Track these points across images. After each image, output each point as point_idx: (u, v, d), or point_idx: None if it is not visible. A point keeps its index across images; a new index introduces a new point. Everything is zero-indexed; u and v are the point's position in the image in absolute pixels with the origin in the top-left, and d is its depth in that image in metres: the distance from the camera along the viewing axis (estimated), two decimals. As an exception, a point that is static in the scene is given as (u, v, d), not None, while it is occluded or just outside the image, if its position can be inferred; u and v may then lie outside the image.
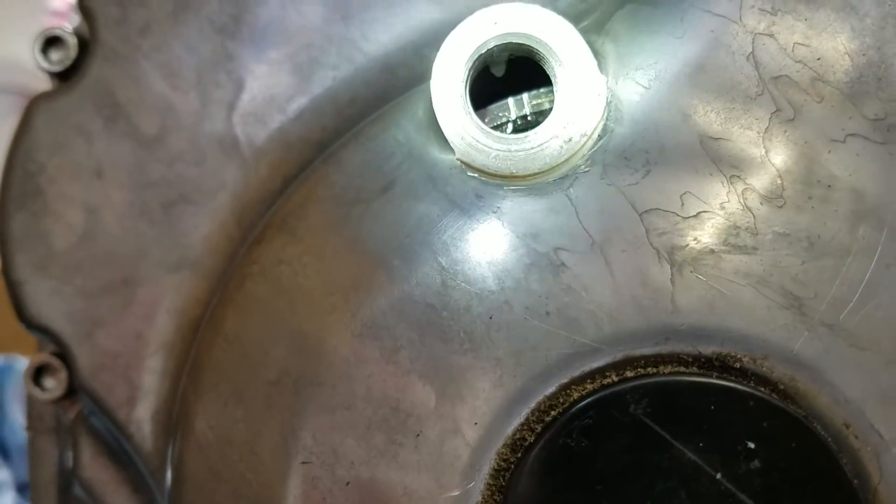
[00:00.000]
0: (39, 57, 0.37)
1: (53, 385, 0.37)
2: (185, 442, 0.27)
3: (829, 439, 0.23)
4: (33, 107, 0.36)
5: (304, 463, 0.24)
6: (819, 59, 0.25)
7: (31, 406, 0.42)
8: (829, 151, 0.24)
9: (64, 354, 0.35)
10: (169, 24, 0.35)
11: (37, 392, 0.37)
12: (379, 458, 0.24)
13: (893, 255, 0.23)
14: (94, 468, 0.36)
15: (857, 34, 0.25)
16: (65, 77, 0.36)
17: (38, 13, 1.57)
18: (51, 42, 0.37)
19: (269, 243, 0.28)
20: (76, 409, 0.37)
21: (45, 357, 0.37)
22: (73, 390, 0.36)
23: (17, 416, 1.00)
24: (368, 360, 0.24)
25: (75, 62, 0.36)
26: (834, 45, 0.25)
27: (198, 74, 0.35)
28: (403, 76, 0.34)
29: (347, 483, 0.24)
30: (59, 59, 0.37)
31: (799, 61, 0.25)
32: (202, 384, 0.28)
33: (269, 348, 0.26)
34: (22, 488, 0.94)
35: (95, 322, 0.34)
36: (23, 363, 1.06)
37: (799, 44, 0.25)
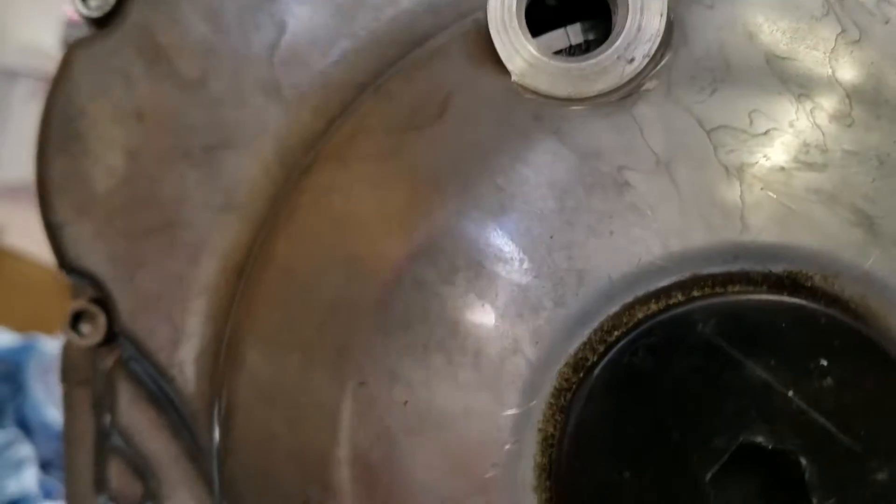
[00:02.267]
0: (78, 3, 0.37)
1: (91, 331, 0.36)
2: (237, 372, 0.27)
3: (902, 360, 0.22)
4: (72, 51, 0.36)
5: (360, 384, 0.24)
6: (887, -24, 0.24)
7: (66, 358, 0.41)
8: (899, 70, 0.24)
9: (104, 299, 0.35)
10: (211, -36, 0.34)
11: (75, 338, 0.37)
12: (437, 378, 0.23)
13: (968, 173, 0.23)
14: (133, 414, 0.36)
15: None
16: (103, 23, 0.36)
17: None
18: (90, -12, 0.37)
19: (319, 173, 0.28)
20: (114, 355, 0.37)
21: (82, 303, 0.36)
22: (112, 337, 0.36)
23: (39, 394, 1.00)
24: (425, 283, 0.24)
25: (115, 7, 0.36)
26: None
27: (239, 17, 0.34)
28: (448, 15, 0.33)
29: (405, 403, 0.23)
30: (98, 4, 0.37)
31: (866, -21, 0.24)
32: (254, 315, 0.27)
33: (323, 275, 0.26)
34: (44, 465, 0.94)
35: (137, 264, 0.34)
36: (43, 342, 1.07)
37: (867, -39, 0.24)
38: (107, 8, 0.36)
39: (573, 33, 0.28)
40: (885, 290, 0.22)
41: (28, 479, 0.90)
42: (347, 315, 0.25)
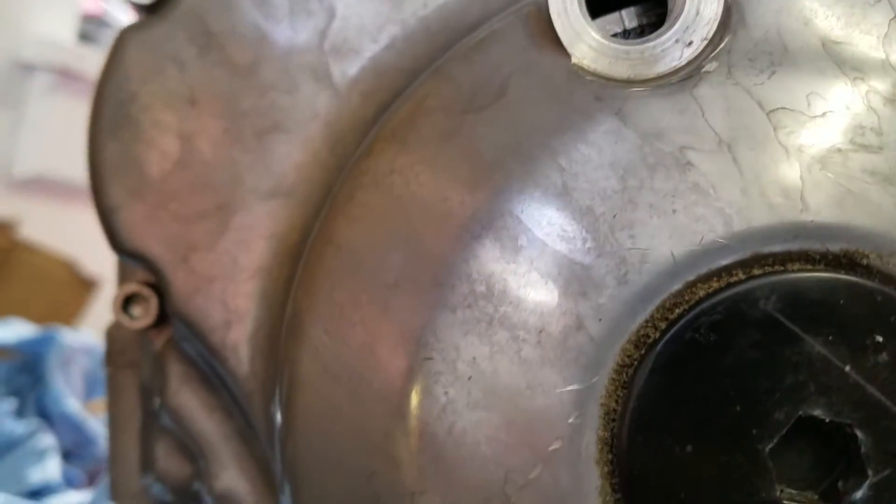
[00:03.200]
0: (130, -10, 0.38)
1: (142, 314, 0.37)
2: (300, 350, 0.28)
3: (955, 338, 0.23)
4: (124, 37, 0.36)
5: (426, 359, 0.25)
6: (942, -37, 0.25)
7: (111, 341, 0.42)
8: (953, 55, 0.24)
9: (156, 282, 0.36)
10: (262, -48, 0.35)
11: (126, 320, 0.37)
12: (501, 353, 0.24)
13: None
14: (184, 394, 0.37)
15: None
16: (153, 9, 0.37)
17: (74, -8, 1.59)
18: (140, -24, 0.38)
19: (380, 155, 0.28)
20: (164, 336, 0.38)
21: (133, 286, 0.37)
22: (162, 318, 0.37)
23: (59, 386, 1.01)
24: (489, 261, 0.25)
25: (165, -5, 0.37)
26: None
27: (290, 3, 0.35)
28: (497, 6, 0.34)
29: (470, 377, 0.24)
30: (149, -8, 0.37)
31: (922, -35, 0.25)
32: (316, 294, 0.28)
33: (385, 254, 0.26)
34: (65, 455, 0.95)
35: (191, 246, 0.35)
36: (62, 334, 1.08)
37: (922, -51, 0.25)
38: (159, -6, 0.37)
39: (628, 17, 0.28)
40: (941, 268, 0.23)
41: (51, 468, 0.92)
42: (411, 293, 0.25)
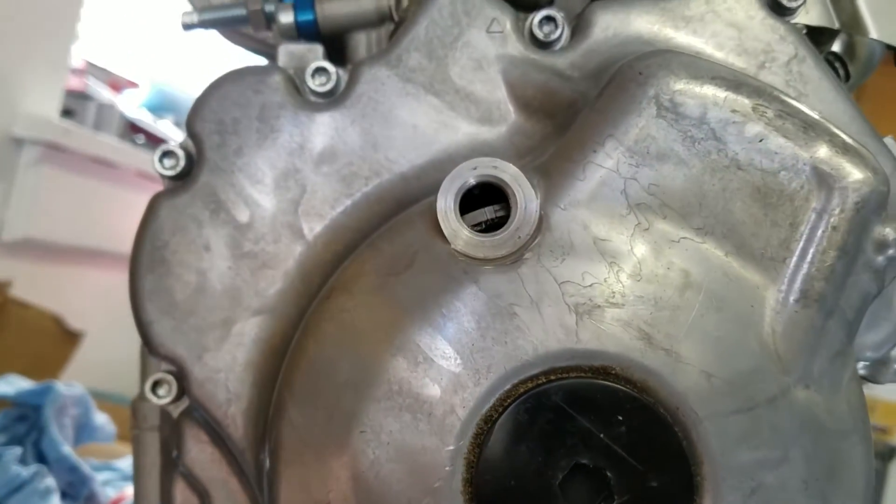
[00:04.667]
0: (158, 165, 0.54)
1: (166, 393, 0.53)
2: (281, 422, 0.44)
3: (667, 416, 0.40)
4: (157, 200, 0.52)
5: (361, 432, 0.41)
6: (664, 192, 0.42)
7: (137, 409, 0.58)
8: (670, 247, 0.42)
9: (178, 372, 0.51)
10: (255, 148, 0.52)
11: (153, 398, 0.53)
12: (407, 428, 0.40)
13: (703, 309, 0.41)
14: (197, 449, 0.52)
15: (688, 180, 0.42)
16: (176, 178, 0.53)
17: (61, 72, 1.73)
18: (165, 154, 0.54)
19: (336, 299, 0.45)
20: (181, 407, 0.53)
21: (160, 375, 0.53)
22: (180, 396, 0.52)
23: (55, 433, 1.14)
24: (400, 371, 0.41)
25: (184, 169, 0.53)
26: (672, 185, 0.42)
27: (275, 182, 0.51)
28: (415, 186, 0.51)
29: (388, 443, 0.40)
30: (171, 165, 0.53)
31: (651, 194, 0.42)
32: (293, 386, 0.44)
33: (338, 364, 0.43)
34: (62, 494, 1.08)
35: (204, 348, 0.50)
36: (58, 387, 1.21)
37: (652, 184, 0.42)
38: (178, 169, 0.53)
39: (490, 211, 0.45)
40: (657, 376, 0.40)
41: (54, 504, 1.04)
42: (354, 389, 0.42)
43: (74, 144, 1.64)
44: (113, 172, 1.83)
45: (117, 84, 2.07)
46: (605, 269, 0.41)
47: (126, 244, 0.54)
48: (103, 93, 1.91)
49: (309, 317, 0.46)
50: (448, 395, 0.40)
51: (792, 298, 0.40)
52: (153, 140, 2.09)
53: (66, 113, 1.76)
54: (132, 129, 2.03)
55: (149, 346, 0.51)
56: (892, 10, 0.52)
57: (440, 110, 0.51)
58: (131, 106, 2.18)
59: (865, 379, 0.51)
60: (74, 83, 1.79)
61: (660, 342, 0.40)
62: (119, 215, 1.75)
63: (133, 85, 2.23)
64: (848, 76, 0.69)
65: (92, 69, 1.96)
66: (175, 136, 2.21)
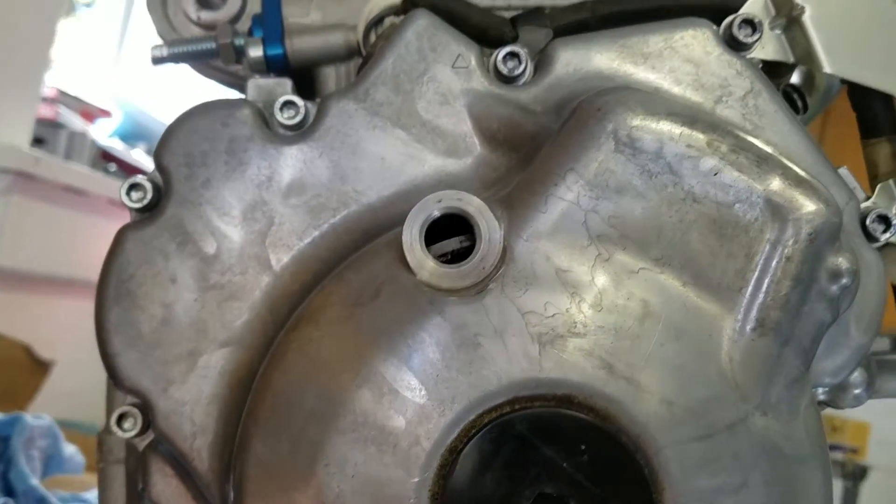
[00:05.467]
0: (125, 197, 0.53)
1: (132, 426, 0.52)
2: (246, 455, 0.44)
3: (630, 444, 0.40)
4: (124, 233, 0.52)
5: (326, 465, 0.41)
6: (624, 224, 0.43)
7: (102, 443, 0.57)
8: (629, 278, 0.43)
9: (144, 405, 0.51)
10: (223, 180, 0.52)
11: (119, 432, 0.52)
12: (372, 460, 0.41)
13: (662, 338, 0.41)
14: (162, 483, 0.52)
15: (647, 213, 0.43)
16: (143, 211, 0.53)
17: (32, 102, 1.73)
18: (132, 187, 0.53)
19: (302, 329, 0.45)
20: (146, 440, 0.52)
21: (125, 408, 0.52)
22: (146, 429, 0.52)
23: (23, 464, 1.12)
24: (366, 401, 0.41)
25: (151, 201, 0.53)
26: (631, 217, 0.43)
27: (242, 213, 0.52)
28: (381, 217, 0.51)
29: (353, 476, 0.40)
30: (138, 198, 0.53)
31: (612, 226, 0.43)
32: (258, 419, 0.44)
33: (304, 396, 0.43)
34: (28, 530, 1.06)
35: (169, 381, 0.50)
36: (26, 418, 1.18)
37: (612, 216, 0.43)
38: (145, 202, 0.53)
39: (455, 242, 0.46)
40: (618, 404, 0.41)
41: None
42: (319, 421, 0.42)
43: (45, 173, 1.63)
44: (84, 201, 1.82)
45: (89, 113, 2.06)
46: (567, 299, 0.42)
47: (97, 272, 0.53)
48: (75, 121, 1.90)
49: (275, 348, 0.46)
50: (413, 427, 0.41)
51: (748, 327, 0.41)
52: (125, 168, 2.08)
53: (37, 141, 1.75)
54: (104, 158, 2.02)
55: (114, 379, 0.51)
56: (845, 45, 0.54)
57: (407, 143, 0.52)
58: (103, 134, 2.17)
59: (826, 404, 0.52)
60: (46, 112, 1.78)
61: (621, 371, 0.41)
62: (90, 243, 1.73)
63: (106, 113, 2.23)
64: (806, 107, 0.71)
65: (64, 98, 1.95)
66: (148, 164, 2.21)
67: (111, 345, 0.51)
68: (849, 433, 2.45)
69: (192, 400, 0.50)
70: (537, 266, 0.42)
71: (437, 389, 0.41)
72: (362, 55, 0.58)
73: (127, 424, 0.52)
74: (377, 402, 0.41)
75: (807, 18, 0.52)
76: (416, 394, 0.41)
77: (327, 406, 0.42)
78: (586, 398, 0.41)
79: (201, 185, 0.52)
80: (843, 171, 0.52)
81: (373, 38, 0.58)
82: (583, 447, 0.40)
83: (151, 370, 0.50)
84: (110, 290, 0.52)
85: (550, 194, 0.43)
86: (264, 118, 0.53)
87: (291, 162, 0.52)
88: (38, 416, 1.26)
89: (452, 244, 0.46)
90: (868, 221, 0.49)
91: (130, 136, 2.35)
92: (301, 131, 0.53)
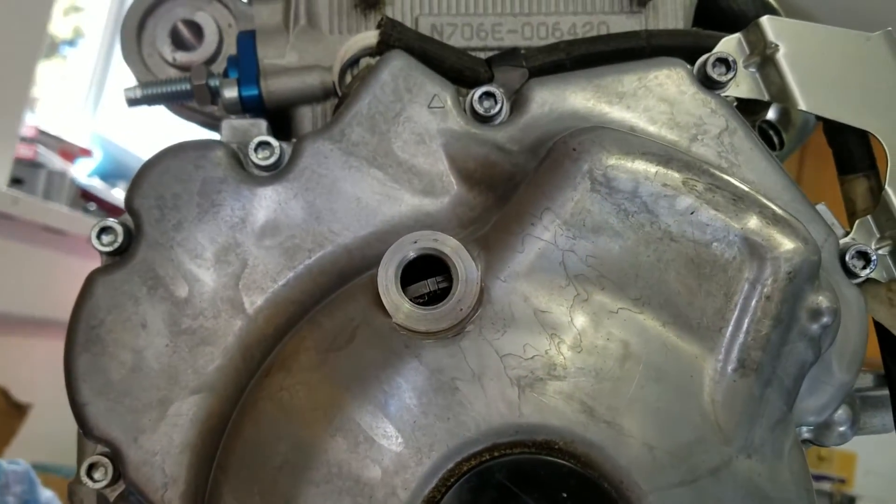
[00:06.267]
0: (95, 241, 0.52)
1: (102, 476, 0.50)
2: (217, 510, 0.42)
3: (612, 491, 0.39)
4: (93, 277, 0.51)
5: (300, 517, 0.39)
6: (601, 264, 0.43)
7: (73, 494, 0.55)
8: (609, 318, 0.42)
9: (114, 455, 0.49)
10: (195, 222, 0.51)
11: (90, 483, 0.50)
12: (347, 511, 0.39)
13: (643, 380, 0.41)
14: (131, 535, 0.50)
15: (624, 252, 0.43)
16: (114, 254, 0.52)
17: (10, 142, 1.71)
18: (103, 230, 0.52)
19: (274, 376, 0.44)
20: (117, 491, 0.50)
21: (95, 458, 0.50)
22: (117, 479, 0.50)
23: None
24: (339, 452, 0.40)
25: (122, 245, 0.52)
26: (609, 256, 0.43)
27: (215, 256, 0.51)
28: (357, 257, 0.51)
29: (327, 528, 0.39)
30: (109, 241, 0.52)
31: (589, 266, 0.43)
32: (228, 470, 0.43)
33: (275, 447, 0.41)
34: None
35: (140, 430, 0.48)
36: (1, 464, 1.15)
37: (590, 255, 0.43)
38: (115, 245, 0.52)
39: (432, 283, 0.45)
40: (600, 450, 0.40)
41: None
42: (291, 473, 0.40)
43: (23, 213, 1.61)
44: (63, 240, 1.79)
45: (69, 152, 2.04)
46: (546, 340, 0.41)
47: None
48: (54, 160, 1.88)
49: (246, 396, 0.45)
50: (389, 477, 0.39)
51: (730, 368, 0.41)
52: (105, 207, 2.06)
53: (16, 181, 1.73)
54: (84, 197, 2.00)
55: (83, 428, 0.49)
56: (819, 83, 0.54)
57: (383, 182, 0.51)
58: (83, 173, 2.15)
59: (810, 442, 0.51)
60: (25, 151, 1.77)
61: (602, 415, 0.40)
62: (69, 283, 1.70)
63: (86, 153, 2.21)
64: (783, 143, 0.71)
65: (43, 137, 1.94)
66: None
67: (80, 393, 0.49)
68: (836, 464, 2.44)
69: (163, 449, 0.49)
70: (515, 307, 0.42)
71: (414, 437, 0.40)
72: (338, 95, 0.58)
73: (97, 475, 0.50)
74: (352, 452, 0.40)
75: (781, 57, 0.52)
76: (393, 442, 0.40)
77: (300, 456, 0.40)
78: (567, 444, 0.40)
79: (173, 228, 0.51)
80: (821, 207, 0.52)
81: (348, 78, 0.58)
82: (564, 495, 0.39)
83: (121, 419, 0.49)
84: (79, 336, 0.50)
85: (527, 234, 0.43)
86: (239, 159, 0.52)
87: (266, 203, 0.51)
88: (13, 461, 1.23)
89: (429, 285, 0.45)
90: (847, 258, 0.48)
91: (110, 174, 2.33)
92: (276, 172, 0.52)
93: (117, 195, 2.19)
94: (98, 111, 2.53)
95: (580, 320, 0.42)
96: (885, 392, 0.52)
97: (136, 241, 0.51)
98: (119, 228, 0.52)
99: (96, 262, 0.53)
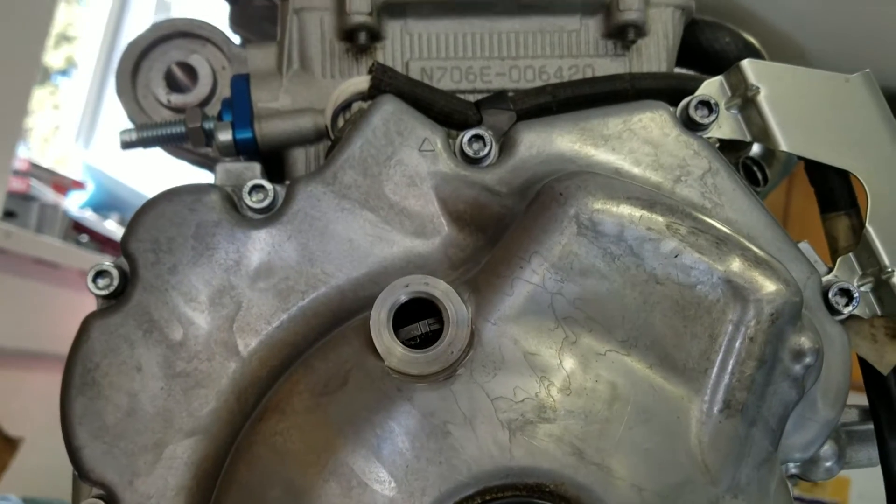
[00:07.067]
0: (91, 285, 0.53)
1: (98, 519, 0.50)
2: (213, 555, 0.42)
3: (603, 531, 0.40)
4: (89, 321, 0.52)
5: (294, 562, 0.40)
6: (589, 306, 0.44)
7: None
8: (597, 360, 0.43)
9: (109, 498, 0.49)
10: (190, 265, 0.52)
11: (85, 524, 0.50)
12: (341, 556, 0.39)
13: (631, 422, 0.41)
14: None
15: (611, 294, 0.44)
16: (109, 298, 0.53)
17: (3, 175, 1.72)
18: (99, 274, 0.53)
19: (268, 420, 0.44)
20: (115, 533, 0.51)
21: (91, 500, 0.50)
22: (112, 522, 0.50)
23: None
24: (334, 495, 0.41)
25: (117, 288, 0.52)
26: (596, 299, 0.44)
27: (210, 299, 0.51)
28: (350, 299, 0.51)
29: (322, 573, 0.39)
30: (105, 285, 0.53)
31: (577, 308, 0.43)
32: (224, 515, 0.43)
33: (269, 491, 0.42)
34: None
35: (135, 474, 0.49)
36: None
37: (577, 298, 0.44)
38: (111, 289, 0.52)
39: (424, 325, 0.46)
40: (590, 492, 0.40)
41: None
42: (286, 517, 0.41)
43: (15, 246, 1.61)
44: (55, 273, 1.79)
45: (62, 185, 2.05)
46: (536, 383, 0.42)
47: (69, 345, 0.52)
48: (47, 193, 1.89)
49: (240, 440, 0.45)
50: (383, 519, 0.40)
51: (716, 409, 0.42)
52: (98, 239, 2.06)
53: (8, 215, 1.74)
54: (76, 229, 2.00)
55: (79, 472, 0.50)
56: (800, 123, 0.56)
57: (375, 224, 0.52)
58: (75, 205, 2.16)
59: (798, 478, 0.52)
60: (17, 185, 1.77)
61: (591, 457, 0.41)
62: (61, 316, 1.70)
63: (78, 185, 2.22)
64: (766, 179, 0.73)
65: (35, 170, 1.95)
66: (120, 234, 2.19)
67: (76, 437, 0.50)
68: (830, 488, 2.44)
69: (158, 493, 0.49)
70: (505, 350, 0.43)
71: (406, 481, 0.40)
72: (331, 138, 0.59)
73: (93, 517, 0.50)
74: (345, 496, 0.40)
75: (762, 98, 0.54)
76: (386, 486, 0.40)
77: (294, 501, 0.41)
78: (557, 486, 0.40)
79: (167, 272, 0.52)
80: (804, 245, 0.53)
81: (341, 122, 0.59)
82: (555, 537, 0.39)
83: (117, 462, 0.49)
84: (75, 379, 0.51)
85: (516, 277, 0.44)
86: (233, 202, 0.53)
87: (260, 245, 0.52)
88: (4, 496, 1.22)
89: (422, 327, 0.46)
90: (830, 295, 0.49)
91: (103, 206, 2.34)
92: (270, 214, 0.53)
93: (109, 227, 2.20)
94: (91, 143, 2.54)
95: (569, 363, 0.42)
96: (871, 426, 0.53)
97: (132, 285, 0.52)
98: (115, 272, 0.53)
99: (88, 296, 0.53)
